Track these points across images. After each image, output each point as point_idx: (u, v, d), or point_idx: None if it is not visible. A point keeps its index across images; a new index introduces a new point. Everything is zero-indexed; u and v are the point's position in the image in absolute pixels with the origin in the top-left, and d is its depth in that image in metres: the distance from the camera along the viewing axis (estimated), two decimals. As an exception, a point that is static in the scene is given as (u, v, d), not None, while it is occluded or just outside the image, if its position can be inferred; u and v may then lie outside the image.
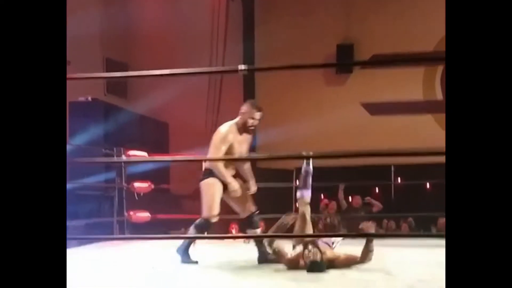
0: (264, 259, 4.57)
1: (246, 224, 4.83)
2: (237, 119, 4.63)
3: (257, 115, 4.61)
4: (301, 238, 4.38)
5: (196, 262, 4.62)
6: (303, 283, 3.86)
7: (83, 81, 6.62)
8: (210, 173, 4.57)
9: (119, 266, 4.57)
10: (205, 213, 4.61)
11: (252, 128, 4.64)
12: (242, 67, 2.71)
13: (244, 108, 4.64)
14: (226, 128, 4.57)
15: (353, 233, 5.73)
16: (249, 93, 10.55)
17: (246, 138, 4.69)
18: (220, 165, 4.52)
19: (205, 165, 4.74)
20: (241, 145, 4.64)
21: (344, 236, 5.04)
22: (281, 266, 4.34)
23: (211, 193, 4.57)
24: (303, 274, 4.12)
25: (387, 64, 9.72)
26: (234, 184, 4.56)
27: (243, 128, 4.62)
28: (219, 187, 4.57)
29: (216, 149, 4.49)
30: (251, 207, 4.72)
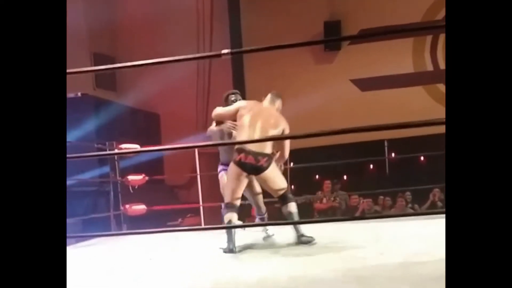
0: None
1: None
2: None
3: None
4: None
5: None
6: (294, 259, 3.92)
7: (71, 77, 6.51)
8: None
9: (117, 260, 4.57)
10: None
11: None
12: (225, 51, 2.68)
13: (279, 103, 4.96)
14: None
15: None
16: (238, 78, 10.48)
17: None
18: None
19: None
20: None
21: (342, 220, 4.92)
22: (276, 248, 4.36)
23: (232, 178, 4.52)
24: (295, 251, 4.19)
25: (377, 37, 9.59)
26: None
27: None
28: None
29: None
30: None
